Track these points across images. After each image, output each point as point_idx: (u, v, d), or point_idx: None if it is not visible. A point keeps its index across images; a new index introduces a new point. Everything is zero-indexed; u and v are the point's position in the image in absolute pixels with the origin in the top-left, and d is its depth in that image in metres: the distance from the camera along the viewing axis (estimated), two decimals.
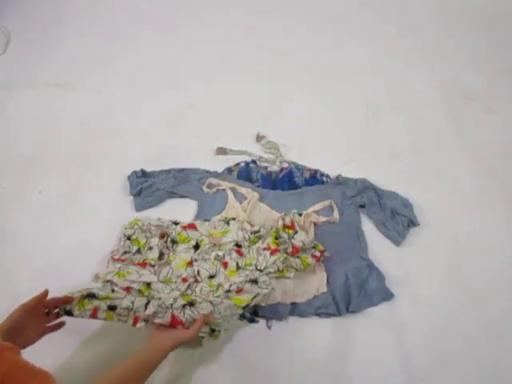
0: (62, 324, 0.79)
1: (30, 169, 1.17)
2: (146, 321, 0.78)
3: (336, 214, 1.05)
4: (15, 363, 0.49)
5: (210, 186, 1.10)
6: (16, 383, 0.48)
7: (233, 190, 1.08)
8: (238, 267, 0.92)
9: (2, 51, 1.48)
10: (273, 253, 0.91)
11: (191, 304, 0.80)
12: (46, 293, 0.74)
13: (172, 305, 0.79)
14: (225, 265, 0.92)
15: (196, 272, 0.91)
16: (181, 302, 0.80)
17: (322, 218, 1.04)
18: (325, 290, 0.94)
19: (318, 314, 0.93)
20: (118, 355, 0.79)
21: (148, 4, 1.69)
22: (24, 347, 0.68)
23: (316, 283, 0.94)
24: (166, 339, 0.74)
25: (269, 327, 0.92)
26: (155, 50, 1.52)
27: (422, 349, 0.90)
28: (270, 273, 0.89)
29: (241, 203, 1.06)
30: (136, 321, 0.78)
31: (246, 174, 1.14)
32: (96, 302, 0.77)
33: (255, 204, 1.05)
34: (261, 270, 0.90)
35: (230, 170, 1.15)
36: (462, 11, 1.69)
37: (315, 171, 1.15)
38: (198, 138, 1.25)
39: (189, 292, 0.87)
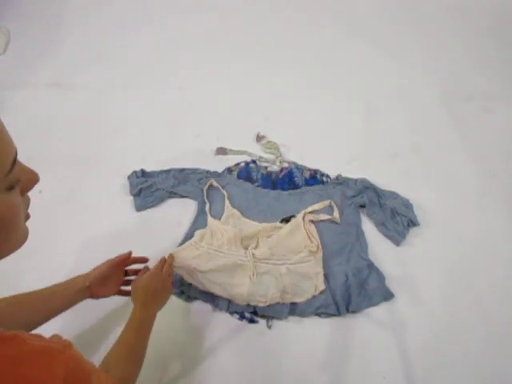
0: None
1: None
2: None
3: (336, 214, 1.05)
4: (76, 360, 0.50)
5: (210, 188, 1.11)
6: (79, 381, 0.49)
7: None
8: None
9: (1, 51, 1.48)
10: None
11: None
12: (129, 253, 0.85)
13: None
14: None
15: None
16: None
17: (324, 216, 1.04)
18: (323, 287, 0.93)
19: (318, 314, 0.93)
20: None
21: (148, 4, 1.69)
22: (100, 297, 0.80)
23: (314, 282, 0.94)
24: (138, 296, 0.76)
25: (269, 327, 0.92)
26: (155, 49, 1.52)
27: (421, 349, 0.90)
28: None
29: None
30: None
31: (246, 173, 1.14)
32: None
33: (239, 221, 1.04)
34: None
35: (230, 170, 1.15)
36: (462, 11, 1.69)
37: (315, 171, 1.15)
38: (198, 138, 1.25)
39: None
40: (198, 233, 0.97)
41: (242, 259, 0.92)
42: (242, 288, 0.90)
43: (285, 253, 0.95)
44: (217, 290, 0.91)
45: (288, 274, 0.92)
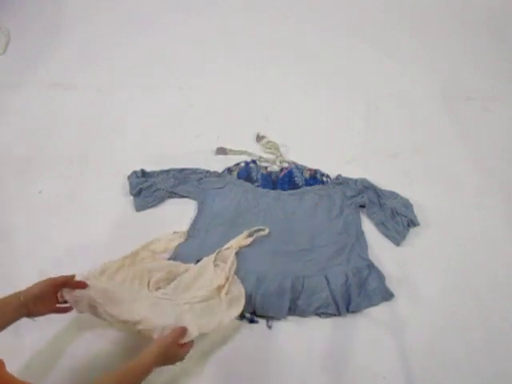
0: (68, 309, 0.83)
1: (29, 169, 1.17)
2: None
3: (265, 232, 1.02)
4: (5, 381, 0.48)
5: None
6: None
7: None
8: None
9: (1, 51, 1.48)
10: None
11: None
12: (73, 276, 0.81)
13: None
14: None
15: None
16: None
17: (246, 241, 1.00)
18: (226, 321, 0.85)
19: (318, 314, 0.93)
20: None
21: (148, 4, 1.69)
22: (35, 316, 0.76)
23: (218, 317, 0.85)
24: (151, 347, 0.73)
25: (269, 327, 0.92)
26: (155, 49, 1.52)
27: (421, 349, 0.90)
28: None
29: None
30: None
31: (246, 173, 1.14)
32: None
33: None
34: None
35: (229, 170, 1.15)
36: (462, 11, 1.69)
37: (315, 171, 1.15)
38: (198, 138, 1.25)
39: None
40: (102, 265, 0.90)
41: (143, 295, 0.85)
42: (142, 324, 0.81)
43: (190, 293, 0.87)
44: (117, 327, 0.85)
45: (190, 310, 0.83)
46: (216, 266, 0.93)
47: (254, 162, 1.17)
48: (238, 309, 0.87)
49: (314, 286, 0.95)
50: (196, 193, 1.11)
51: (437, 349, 0.90)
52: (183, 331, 0.78)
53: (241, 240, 1.00)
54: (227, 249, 0.98)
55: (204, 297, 0.85)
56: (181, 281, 0.89)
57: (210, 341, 0.89)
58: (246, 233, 1.01)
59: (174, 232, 1.03)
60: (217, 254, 0.96)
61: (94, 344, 0.87)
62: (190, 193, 1.11)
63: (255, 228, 1.02)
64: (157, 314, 0.82)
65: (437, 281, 1.00)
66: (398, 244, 1.04)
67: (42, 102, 1.34)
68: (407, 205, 1.08)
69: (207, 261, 0.94)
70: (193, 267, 0.93)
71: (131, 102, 1.35)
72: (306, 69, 1.48)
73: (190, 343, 0.79)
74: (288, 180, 1.14)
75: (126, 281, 0.88)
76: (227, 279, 0.89)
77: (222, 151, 1.21)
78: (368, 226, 1.07)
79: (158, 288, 0.89)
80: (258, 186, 1.12)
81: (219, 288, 0.88)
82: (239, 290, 0.90)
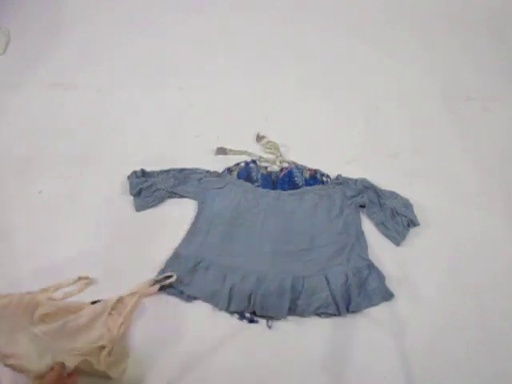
0: None
1: (29, 169, 1.17)
2: None
3: (173, 279, 0.94)
4: None
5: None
6: None
7: None
8: None
9: (1, 51, 1.48)
10: None
11: None
12: None
13: None
14: None
15: None
16: None
17: (151, 290, 0.92)
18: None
19: (318, 314, 0.93)
20: None
21: (148, 4, 1.69)
22: None
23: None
24: None
25: (269, 327, 0.92)
26: (155, 49, 1.52)
27: (421, 349, 0.90)
28: None
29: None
30: None
31: (246, 173, 1.14)
32: None
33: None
34: None
35: (229, 170, 1.15)
36: (462, 11, 1.69)
37: (315, 171, 1.15)
38: (198, 138, 1.25)
39: None
40: None
41: (23, 327, 0.81)
42: (15, 359, 0.76)
43: (72, 342, 0.82)
44: None
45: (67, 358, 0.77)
46: (110, 314, 0.86)
47: (254, 161, 1.17)
48: (116, 373, 0.81)
49: (314, 286, 0.95)
50: (196, 193, 1.11)
51: (437, 349, 0.90)
52: (62, 365, 0.74)
53: (145, 286, 0.92)
54: (131, 294, 0.90)
55: (83, 353, 0.80)
56: (67, 324, 0.82)
57: (209, 341, 0.89)
58: (149, 281, 0.93)
59: (80, 277, 0.95)
60: (117, 300, 0.88)
61: None
62: (190, 193, 1.11)
63: (163, 275, 0.94)
64: (34, 351, 0.77)
65: (437, 281, 1.00)
66: (398, 244, 1.04)
67: (42, 102, 1.34)
68: (407, 205, 1.08)
69: (103, 307, 0.86)
70: (87, 310, 0.86)
71: (131, 101, 1.35)
72: (306, 69, 1.47)
73: (75, 374, 0.75)
74: (288, 180, 1.14)
75: (11, 305, 0.83)
76: (112, 341, 0.83)
77: (221, 151, 1.21)
78: (368, 226, 1.07)
79: (43, 322, 0.83)
80: (258, 186, 1.12)
81: (101, 348, 0.82)
82: (122, 354, 0.84)
